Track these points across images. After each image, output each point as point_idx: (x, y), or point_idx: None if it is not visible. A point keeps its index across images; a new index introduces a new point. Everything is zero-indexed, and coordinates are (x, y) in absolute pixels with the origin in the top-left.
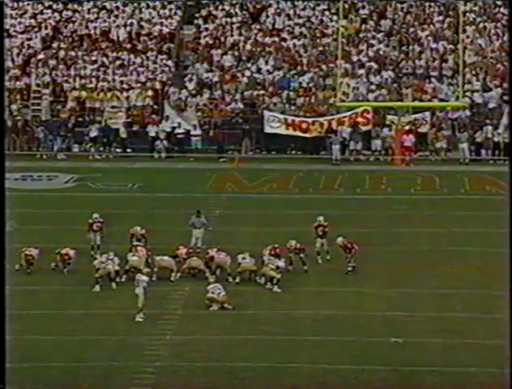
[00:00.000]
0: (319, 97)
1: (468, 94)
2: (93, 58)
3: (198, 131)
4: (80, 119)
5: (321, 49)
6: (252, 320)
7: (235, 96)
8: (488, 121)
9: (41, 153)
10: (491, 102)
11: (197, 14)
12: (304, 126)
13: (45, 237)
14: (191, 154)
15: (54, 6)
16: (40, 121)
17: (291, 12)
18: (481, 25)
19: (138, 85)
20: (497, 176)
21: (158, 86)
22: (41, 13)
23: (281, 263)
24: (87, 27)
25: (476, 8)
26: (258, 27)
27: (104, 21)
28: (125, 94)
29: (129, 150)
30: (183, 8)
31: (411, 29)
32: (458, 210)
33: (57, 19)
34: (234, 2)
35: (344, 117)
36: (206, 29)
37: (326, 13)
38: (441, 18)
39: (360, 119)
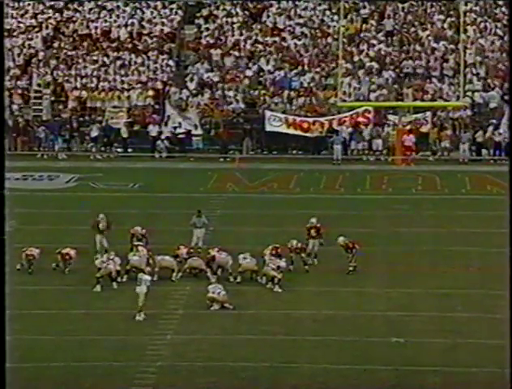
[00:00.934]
0: (320, 97)
1: (469, 94)
2: (94, 58)
3: (199, 131)
4: (81, 119)
5: (322, 48)
6: (253, 320)
7: (236, 96)
8: (489, 121)
9: (42, 153)
10: (492, 102)
11: (198, 14)
12: (305, 125)
13: (46, 236)
14: (192, 154)
15: (55, 6)
16: (41, 120)
17: (292, 12)
18: (482, 25)
19: (139, 85)
20: (498, 176)
21: (159, 86)
22: (42, 13)
23: (282, 263)
24: (87, 26)
25: (477, 8)
26: (258, 27)
27: (105, 21)
28: (126, 94)
29: (130, 150)
30: (184, 8)
31: (412, 29)
32: (459, 210)
33: (58, 19)
34: (235, 1)
35: (345, 117)
36: (207, 29)
37: (327, 13)
38: (441, 18)
39: (361, 119)
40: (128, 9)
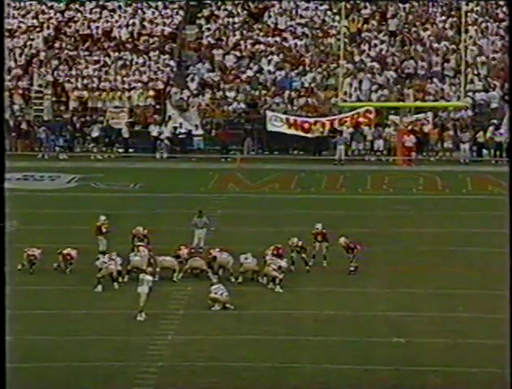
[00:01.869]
0: (321, 97)
1: (470, 94)
2: (95, 58)
3: (200, 131)
4: (82, 119)
5: (323, 48)
6: (254, 320)
7: (237, 97)
8: (490, 122)
9: (43, 153)
10: (493, 102)
11: (199, 14)
12: (306, 126)
13: (47, 236)
14: (193, 154)
15: (56, 7)
16: (42, 121)
17: (293, 12)
18: (483, 25)
19: (140, 85)
20: (499, 176)
21: (160, 86)
22: (43, 13)
23: (283, 263)
24: (89, 27)
25: (479, 8)
26: (259, 27)
27: (106, 21)
28: (127, 94)
29: (131, 150)
30: (185, 8)
31: (414, 29)
32: (460, 210)
33: (59, 19)
34: (236, 2)
35: (346, 117)
36: (209, 29)
37: (328, 13)
38: (443, 18)
39: (362, 119)
40: (129, 9)
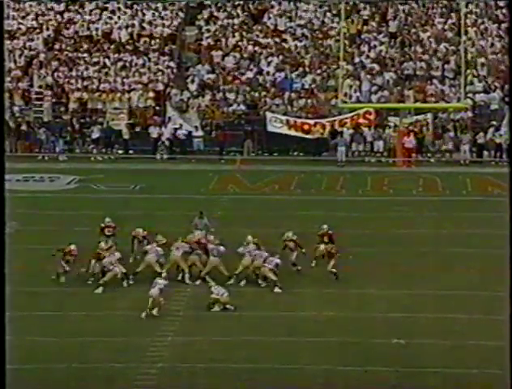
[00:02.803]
0: (321, 99)
1: (470, 95)
2: (95, 60)
3: (200, 133)
4: (82, 120)
5: (322, 50)
6: (254, 321)
7: (237, 98)
8: (490, 123)
9: (43, 154)
10: (493, 103)
11: (199, 16)
12: (306, 127)
13: (47, 237)
14: (193, 155)
15: (56, 8)
16: (42, 122)
17: (292, 13)
18: (483, 26)
19: (140, 86)
20: (499, 177)
21: (160, 87)
22: (43, 14)
23: (277, 260)
24: (88, 28)
25: (478, 10)
26: (259, 28)
27: (106, 22)
28: (127, 95)
29: (131, 151)
30: (185, 9)
31: (413, 30)
32: (460, 211)
33: (59, 21)
34: (236, 3)
35: (346, 118)
36: (208, 30)
37: (328, 14)
38: (442, 19)
39: (362, 120)
40: (129, 10)
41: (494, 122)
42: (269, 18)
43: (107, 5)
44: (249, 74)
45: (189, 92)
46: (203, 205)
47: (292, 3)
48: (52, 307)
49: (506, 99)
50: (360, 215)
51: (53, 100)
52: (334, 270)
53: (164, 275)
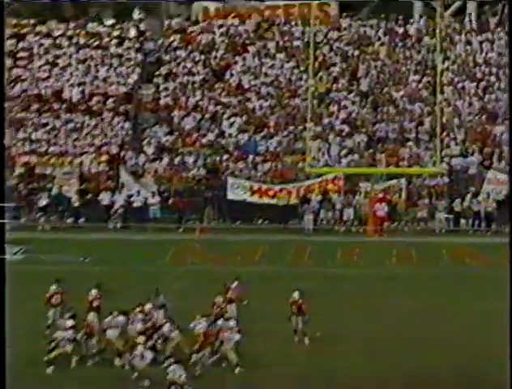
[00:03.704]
0: (287, 162)
1: (446, 159)
2: (44, 121)
3: (157, 199)
4: (29, 186)
5: (289, 110)
6: None
7: (196, 162)
8: (467, 189)
9: None
10: (471, 168)
11: (156, 73)
12: (271, 193)
13: None
14: (149, 224)
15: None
16: None
17: (257, 70)
18: (460, 85)
19: (93, 149)
20: (478, 247)
21: (114, 150)
22: None
23: (237, 337)
24: (37, 86)
25: (455, 67)
26: (221, 86)
27: (57, 80)
28: (78, 159)
29: (82, 220)
30: (141, 66)
31: (386, 89)
32: (436, 284)
33: (6, 78)
34: (196, 59)
35: (314, 184)
36: (166, 89)
37: (295, 71)
38: (417, 77)
39: (330, 186)
40: (81, 66)
41: (472, 188)
42: (232, 75)
43: (58, 60)
44: (210, 136)
45: (146, 156)
46: (160, 278)
47: (256, 59)
48: None
49: (485, 163)
50: (329, 287)
51: None
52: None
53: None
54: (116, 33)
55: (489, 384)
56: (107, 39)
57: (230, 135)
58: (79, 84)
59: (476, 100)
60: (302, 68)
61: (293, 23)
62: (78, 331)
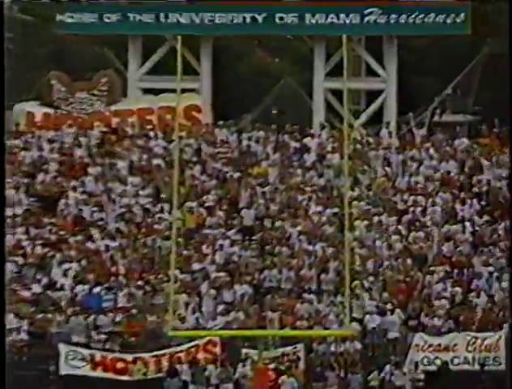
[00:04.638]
0: (145, 324)
1: (358, 317)
2: None
3: None
4: None
5: (146, 252)
6: None
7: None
8: (387, 358)
9: None
10: (391, 330)
11: None
12: (120, 365)
13: None
14: None
15: None
16: None
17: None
18: (376, 218)
19: None
20: None
21: None
22: None
23: None
24: None
25: (370, 194)
26: (53, 221)
27: None
28: None
29: None
30: None
31: (277, 224)
32: None
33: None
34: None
35: (180, 351)
36: None
37: (154, 200)
38: (319, 208)
39: (202, 354)
40: None
41: (393, 357)
42: (67, 205)
43: None
44: (37, 289)
45: None
46: None
47: (100, 183)
48: None
49: (410, 323)
50: None
51: None
52: None
53: None
54: None
55: None
56: None
57: (62, 287)
58: None
59: (398, 240)
60: (164, 195)
61: (152, 134)
62: None
